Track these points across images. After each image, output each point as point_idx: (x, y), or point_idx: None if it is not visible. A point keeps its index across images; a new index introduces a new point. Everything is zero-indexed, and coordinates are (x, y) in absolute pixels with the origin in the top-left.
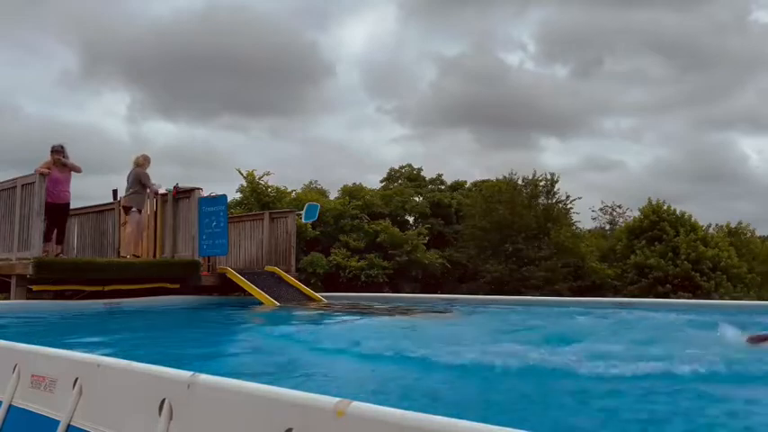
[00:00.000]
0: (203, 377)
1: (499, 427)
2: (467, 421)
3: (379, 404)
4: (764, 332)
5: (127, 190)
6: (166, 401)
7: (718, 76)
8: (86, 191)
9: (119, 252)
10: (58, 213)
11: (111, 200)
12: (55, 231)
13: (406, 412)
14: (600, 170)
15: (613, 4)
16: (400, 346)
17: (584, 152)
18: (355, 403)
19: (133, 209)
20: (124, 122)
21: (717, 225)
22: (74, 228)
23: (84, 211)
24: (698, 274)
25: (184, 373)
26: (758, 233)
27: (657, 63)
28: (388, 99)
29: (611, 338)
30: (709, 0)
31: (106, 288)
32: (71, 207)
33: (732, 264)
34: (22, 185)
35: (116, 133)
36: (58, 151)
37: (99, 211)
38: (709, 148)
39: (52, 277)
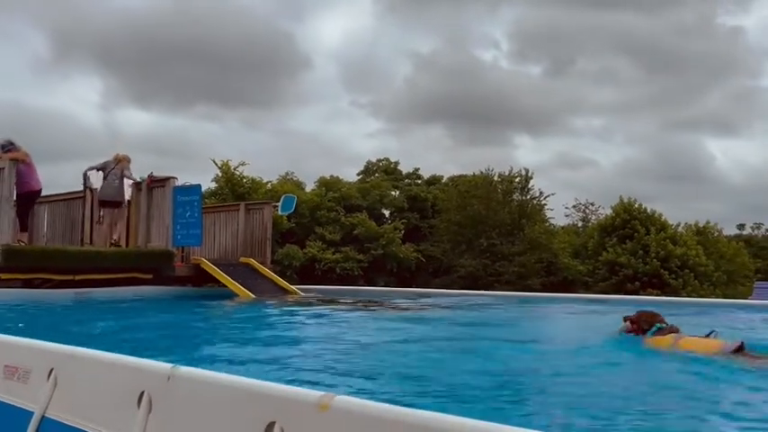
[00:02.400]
0: (184, 369)
1: (485, 423)
2: (453, 416)
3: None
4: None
5: (112, 182)
6: (145, 394)
7: (685, 79)
8: (57, 178)
9: (91, 240)
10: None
11: (82, 188)
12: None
13: (391, 406)
14: (572, 168)
15: (585, 4)
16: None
17: (556, 150)
18: (339, 397)
19: (126, 201)
20: (97, 110)
21: (685, 224)
22: (43, 216)
23: (54, 199)
24: (666, 272)
25: (164, 365)
26: (725, 232)
27: (627, 64)
28: (363, 93)
29: None
30: (677, 3)
31: (77, 277)
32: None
33: (699, 262)
34: None
35: (88, 121)
36: (9, 149)
37: (70, 198)
38: (676, 149)
39: (21, 265)
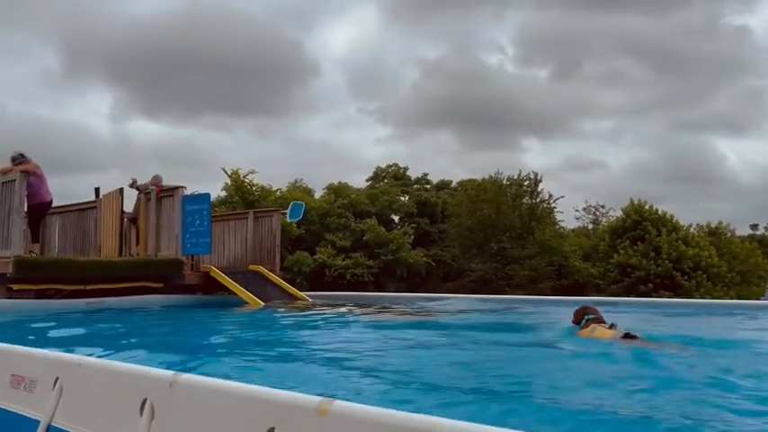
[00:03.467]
0: (185, 377)
1: (485, 426)
2: (451, 420)
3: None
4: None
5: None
6: (148, 401)
7: (693, 79)
8: (69, 189)
9: (100, 251)
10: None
11: (94, 198)
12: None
13: (389, 411)
14: (580, 171)
15: (589, 7)
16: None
17: (564, 153)
18: (338, 402)
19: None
20: (107, 121)
21: (697, 225)
22: (55, 226)
23: (66, 210)
24: (679, 274)
25: (166, 373)
26: (738, 233)
27: (634, 66)
28: (371, 100)
29: None
30: (683, 4)
31: (88, 287)
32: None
33: (712, 263)
34: (2, 183)
35: (99, 132)
36: (20, 161)
37: (81, 209)
38: (686, 150)
39: (33, 276)
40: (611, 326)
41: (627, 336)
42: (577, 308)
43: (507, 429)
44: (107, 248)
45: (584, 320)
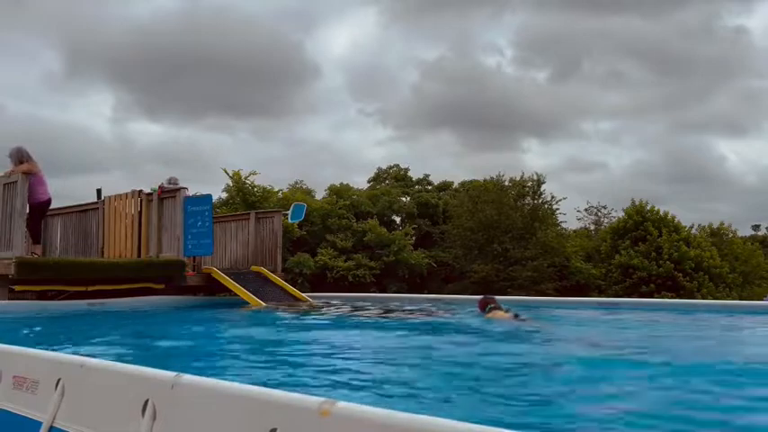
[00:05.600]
0: (187, 377)
1: (486, 427)
2: (453, 420)
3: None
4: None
5: None
6: (150, 402)
7: (693, 80)
8: (71, 190)
9: (102, 252)
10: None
11: (96, 199)
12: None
13: (392, 412)
14: (581, 171)
15: (589, 9)
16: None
17: (565, 154)
18: (340, 403)
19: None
20: (109, 123)
21: (699, 226)
22: (57, 228)
23: (68, 211)
24: (680, 275)
25: (168, 374)
26: (739, 233)
27: (634, 67)
28: (371, 101)
29: None
30: (682, 5)
31: (89, 288)
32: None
33: (714, 264)
34: (5, 185)
35: (101, 133)
36: (20, 159)
37: (83, 210)
38: (686, 151)
39: (35, 277)
40: (507, 310)
41: (516, 316)
42: (480, 299)
43: (507, 429)
44: (119, 252)
45: (487, 308)
